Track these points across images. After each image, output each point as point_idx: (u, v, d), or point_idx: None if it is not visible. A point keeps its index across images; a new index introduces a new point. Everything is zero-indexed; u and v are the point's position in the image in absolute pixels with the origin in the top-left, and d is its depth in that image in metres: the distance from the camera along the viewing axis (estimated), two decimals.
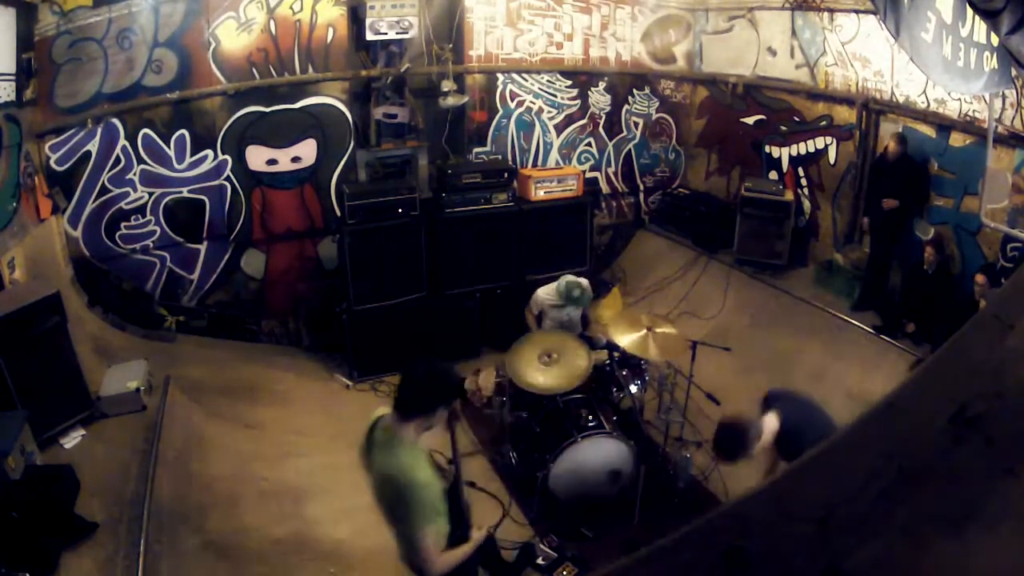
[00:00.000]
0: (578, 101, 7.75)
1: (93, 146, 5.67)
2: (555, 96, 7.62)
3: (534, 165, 7.67)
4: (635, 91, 8.05)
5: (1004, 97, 5.04)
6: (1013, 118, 5.08)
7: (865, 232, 6.28)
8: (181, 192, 6.14)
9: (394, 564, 3.92)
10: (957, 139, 5.58)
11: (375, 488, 2.68)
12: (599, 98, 7.87)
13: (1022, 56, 3.62)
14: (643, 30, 7.85)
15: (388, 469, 2.58)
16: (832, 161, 6.75)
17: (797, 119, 7.02)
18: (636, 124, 8.20)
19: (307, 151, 6.54)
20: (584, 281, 5.26)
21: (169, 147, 6.00)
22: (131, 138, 5.81)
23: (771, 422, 3.16)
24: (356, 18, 6.28)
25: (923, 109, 5.80)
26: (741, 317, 6.74)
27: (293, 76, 6.27)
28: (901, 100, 5.98)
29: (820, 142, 6.84)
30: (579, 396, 4.71)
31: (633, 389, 4.94)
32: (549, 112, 7.63)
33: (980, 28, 4.03)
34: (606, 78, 7.82)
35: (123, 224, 5.97)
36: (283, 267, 6.76)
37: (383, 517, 2.72)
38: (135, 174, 5.91)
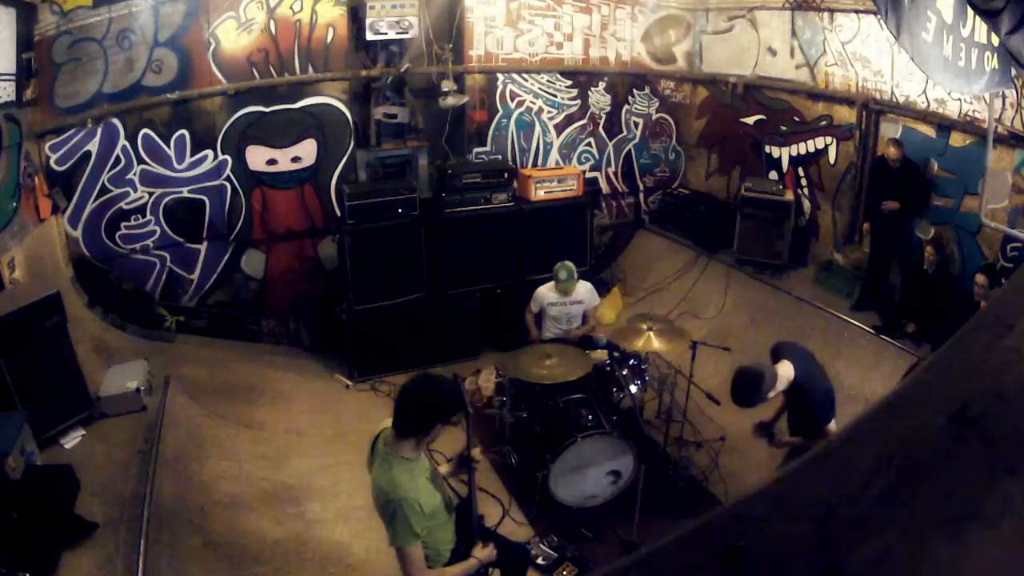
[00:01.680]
0: (578, 101, 7.75)
1: (93, 146, 5.68)
2: (555, 96, 7.62)
3: (534, 165, 7.67)
4: (635, 91, 8.05)
5: (1004, 97, 5.04)
6: (1013, 118, 5.08)
7: (866, 234, 6.28)
8: (181, 192, 6.15)
9: (394, 564, 3.92)
10: (957, 139, 5.57)
11: (373, 498, 2.72)
12: (599, 98, 7.87)
13: (1022, 56, 3.62)
14: (643, 30, 7.86)
15: (381, 483, 2.61)
16: (832, 161, 6.75)
17: (797, 119, 7.02)
18: (636, 124, 8.20)
19: (307, 151, 6.54)
20: (569, 263, 5.32)
21: (169, 147, 6.00)
22: (131, 138, 5.81)
23: (786, 370, 3.41)
24: (356, 18, 6.29)
25: (923, 109, 5.80)
26: (741, 317, 6.73)
27: (293, 76, 6.28)
28: (901, 100, 5.98)
29: (820, 142, 6.84)
30: (579, 396, 4.71)
31: (633, 389, 4.94)
32: (549, 112, 7.64)
33: (981, 28, 4.03)
34: (606, 78, 7.82)
35: (123, 224, 5.97)
36: (283, 267, 6.76)
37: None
38: (135, 174, 5.92)
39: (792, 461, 3.62)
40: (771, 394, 3.36)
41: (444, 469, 3.09)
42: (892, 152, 5.73)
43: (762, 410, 3.77)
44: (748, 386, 3.34)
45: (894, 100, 6.03)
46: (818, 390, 3.54)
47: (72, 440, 4.35)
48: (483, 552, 2.84)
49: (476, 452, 2.93)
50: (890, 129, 6.07)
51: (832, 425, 3.56)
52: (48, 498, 3.56)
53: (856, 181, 6.48)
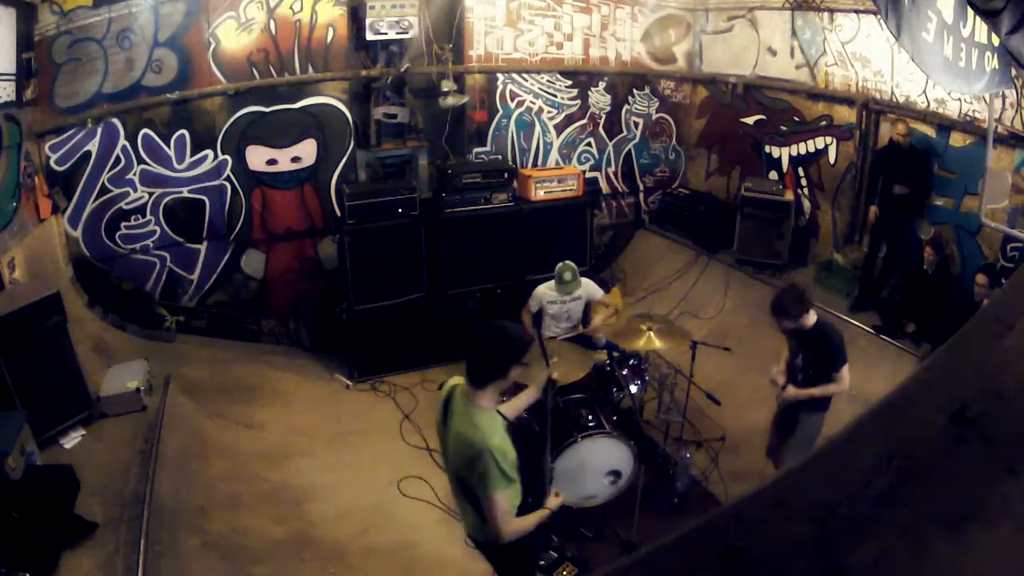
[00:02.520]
0: (578, 101, 7.75)
1: (93, 146, 5.67)
2: (555, 96, 7.62)
3: (534, 165, 7.67)
4: (635, 91, 8.05)
5: (1004, 97, 5.04)
6: (1013, 118, 5.08)
7: (866, 232, 6.27)
8: (181, 192, 6.15)
9: (394, 564, 3.93)
10: (957, 139, 5.57)
11: (449, 455, 2.77)
12: (599, 98, 7.87)
13: (1022, 56, 3.62)
14: (643, 30, 7.86)
15: (466, 434, 2.62)
16: (832, 161, 6.75)
17: (797, 119, 7.02)
18: (636, 124, 8.20)
19: (307, 151, 6.54)
20: (572, 263, 5.26)
21: (169, 147, 6.00)
22: (131, 138, 5.81)
23: (812, 315, 3.80)
24: (356, 18, 6.29)
25: (923, 109, 5.80)
26: (741, 317, 6.73)
27: (293, 76, 6.28)
28: (901, 100, 5.98)
29: (820, 142, 6.84)
30: (579, 396, 4.71)
31: (633, 389, 4.94)
32: (549, 112, 7.64)
33: (981, 28, 4.03)
34: (606, 78, 7.82)
35: (123, 224, 5.97)
36: (283, 267, 6.76)
37: (453, 488, 2.84)
38: (135, 174, 5.91)
39: (786, 441, 3.71)
40: (804, 319, 3.76)
41: (530, 395, 3.15)
42: (901, 129, 5.71)
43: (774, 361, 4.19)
44: (796, 295, 3.76)
45: (894, 100, 6.03)
46: (833, 331, 3.91)
47: (72, 440, 4.36)
48: (554, 501, 2.95)
49: (555, 372, 3.02)
50: (890, 129, 6.06)
51: (846, 369, 3.83)
52: (48, 498, 3.56)
53: (856, 181, 6.48)
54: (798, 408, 3.99)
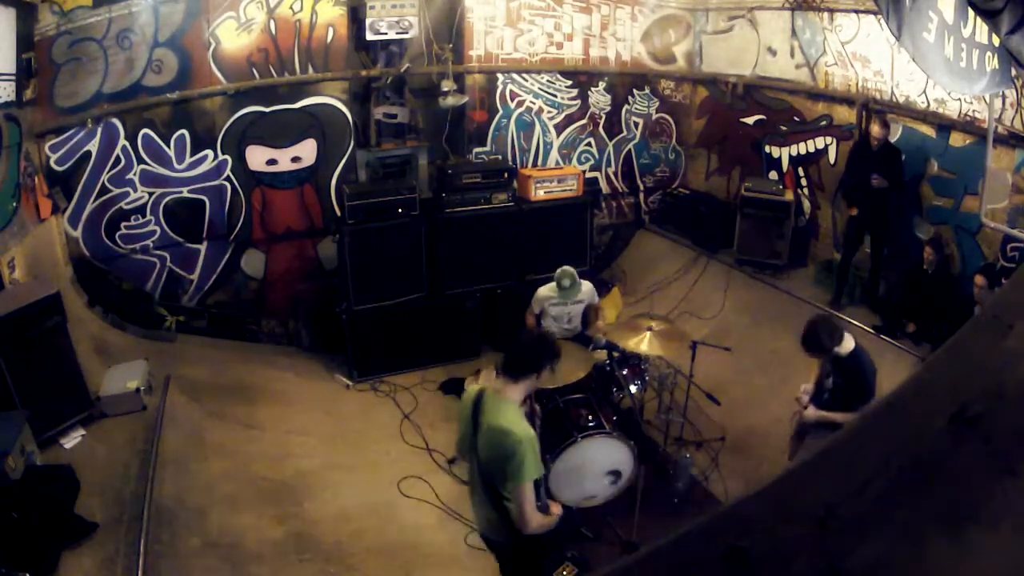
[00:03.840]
0: (578, 101, 7.75)
1: (93, 146, 5.67)
2: (555, 96, 7.62)
3: (534, 165, 7.67)
4: (635, 91, 8.05)
5: (1004, 97, 5.04)
6: (1013, 118, 5.08)
7: (850, 217, 6.26)
8: (181, 192, 6.14)
9: (394, 564, 3.92)
10: (957, 139, 5.57)
11: (481, 450, 2.91)
12: (599, 98, 7.87)
13: (1022, 56, 3.62)
14: (643, 30, 7.85)
15: (501, 424, 2.82)
16: (832, 161, 6.75)
17: (797, 119, 7.02)
18: (636, 124, 8.20)
19: (307, 151, 6.54)
20: (571, 269, 5.24)
21: (169, 147, 6.00)
22: (131, 138, 5.81)
23: (850, 341, 3.72)
24: (356, 18, 6.29)
25: (923, 109, 5.80)
26: (741, 317, 6.73)
27: (293, 76, 6.28)
28: (901, 100, 5.98)
29: (820, 142, 6.84)
30: (579, 396, 4.70)
31: (633, 389, 4.93)
32: (549, 112, 7.64)
33: (982, 29, 4.03)
34: (606, 78, 7.82)
35: (123, 224, 5.97)
36: (283, 267, 6.76)
37: (475, 486, 3.00)
38: (135, 174, 5.91)
39: (801, 452, 3.70)
40: (839, 348, 3.68)
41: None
42: (875, 131, 5.69)
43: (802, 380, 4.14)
44: (831, 329, 3.68)
45: (894, 100, 6.03)
46: (868, 363, 3.78)
47: (72, 440, 4.36)
48: (557, 508, 3.14)
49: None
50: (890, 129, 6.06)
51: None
52: (48, 498, 3.56)
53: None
54: (817, 428, 3.90)
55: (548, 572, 4.10)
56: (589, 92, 7.78)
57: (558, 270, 5.25)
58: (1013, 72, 4.13)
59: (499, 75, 7.25)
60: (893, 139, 5.91)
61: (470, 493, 3.15)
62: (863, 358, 3.74)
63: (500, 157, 7.42)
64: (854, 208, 6.09)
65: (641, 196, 8.50)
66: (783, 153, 7.27)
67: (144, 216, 6.04)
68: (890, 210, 5.90)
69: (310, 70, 6.34)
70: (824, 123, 6.74)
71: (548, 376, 3.04)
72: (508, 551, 3.14)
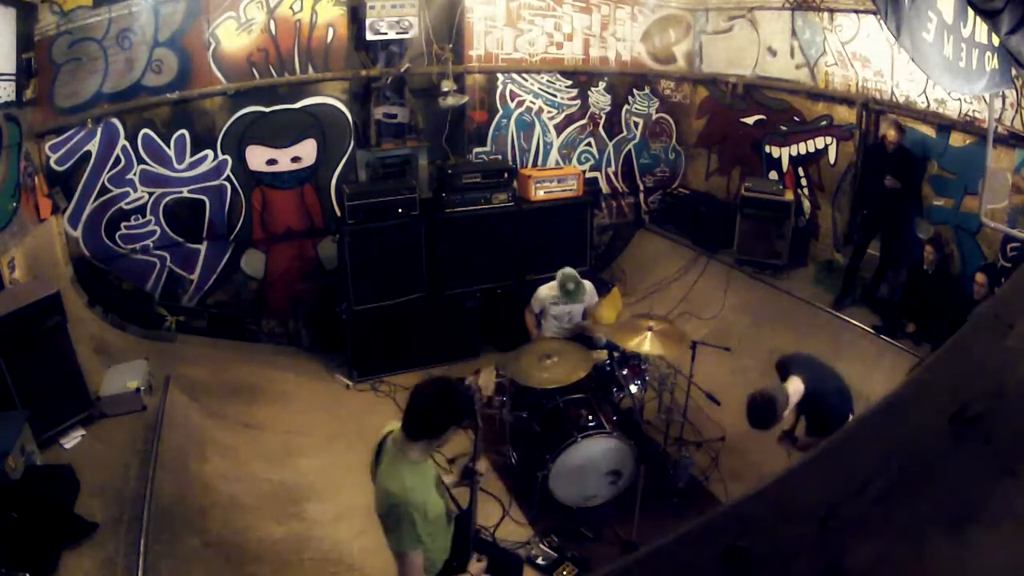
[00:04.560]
0: (578, 101, 7.75)
1: (93, 146, 5.67)
2: (555, 96, 7.62)
3: (534, 165, 7.67)
4: (635, 91, 8.05)
5: (1004, 97, 5.04)
6: (1013, 118, 5.08)
7: (863, 221, 6.26)
8: (181, 192, 6.14)
9: (394, 564, 3.92)
10: (957, 139, 5.57)
11: (375, 500, 2.66)
12: (599, 98, 7.87)
13: (1022, 56, 3.62)
14: (643, 30, 7.86)
15: (389, 486, 2.54)
16: (832, 161, 6.75)
17: (797, 119, 7.02)
18: (636, 124, 8.20)
19: (307, 151, 6.54)
20: (573, 272, 5.22)
21: (169, 147, 6.00)
22: (131, 138, 5.81)
23: (796, 386, 3.45)
24: (356, 18, 6.29)
25: (923, 109, 5.80)
26: (741, 317, 6.73)
27: (293, 76, 6.27)
28: (901, 100, 5.98)
29: (820, 142, 6.84)
30: (579, 396, 4.71)
31: (633, 389, 4.94)
32: (549, 112, 7.64)
33: (981, 28, 4.03)
34: (606, 78, 7.82)
35: (123, 224, 5.97)
36: (283, 267, 6.76)
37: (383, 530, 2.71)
38: (135, 174, 5.91)
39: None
40: (786, 412, 3.44)
41: (448, 479, 3.04)
42: (891, 135, 5.71)
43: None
44: (763, 412, 3.40)
45: (894, 100, 6.03)
46: (831, 392, 3.55)
47: (72, 440, 4.35)
48: (477, 567, 2.84)
49: (482, 466, 2.90)
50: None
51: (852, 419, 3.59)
52: (48, 498, 3.56)
53: (856, 181, 6.48)
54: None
55: (548, 571, 4.10)
56: (589, 92, 7.78)
57: (560, 273, 5.22)
58: (1013, 72, 4.13)
59: (499, 75, 7.25)
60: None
61: None
62: (818, 394, 3.48)
63: (500, 157, 7.42)
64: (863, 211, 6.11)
65: (641, 196, 8.50)
66: (783, 153, 7.27)
67: (144, 216, 6.04)
68: (901, 211, 5.90)
69: (310, 70, 6.34)
70: (824, 123, 6.74)
71: (451, 437, 2.62)
72: None
